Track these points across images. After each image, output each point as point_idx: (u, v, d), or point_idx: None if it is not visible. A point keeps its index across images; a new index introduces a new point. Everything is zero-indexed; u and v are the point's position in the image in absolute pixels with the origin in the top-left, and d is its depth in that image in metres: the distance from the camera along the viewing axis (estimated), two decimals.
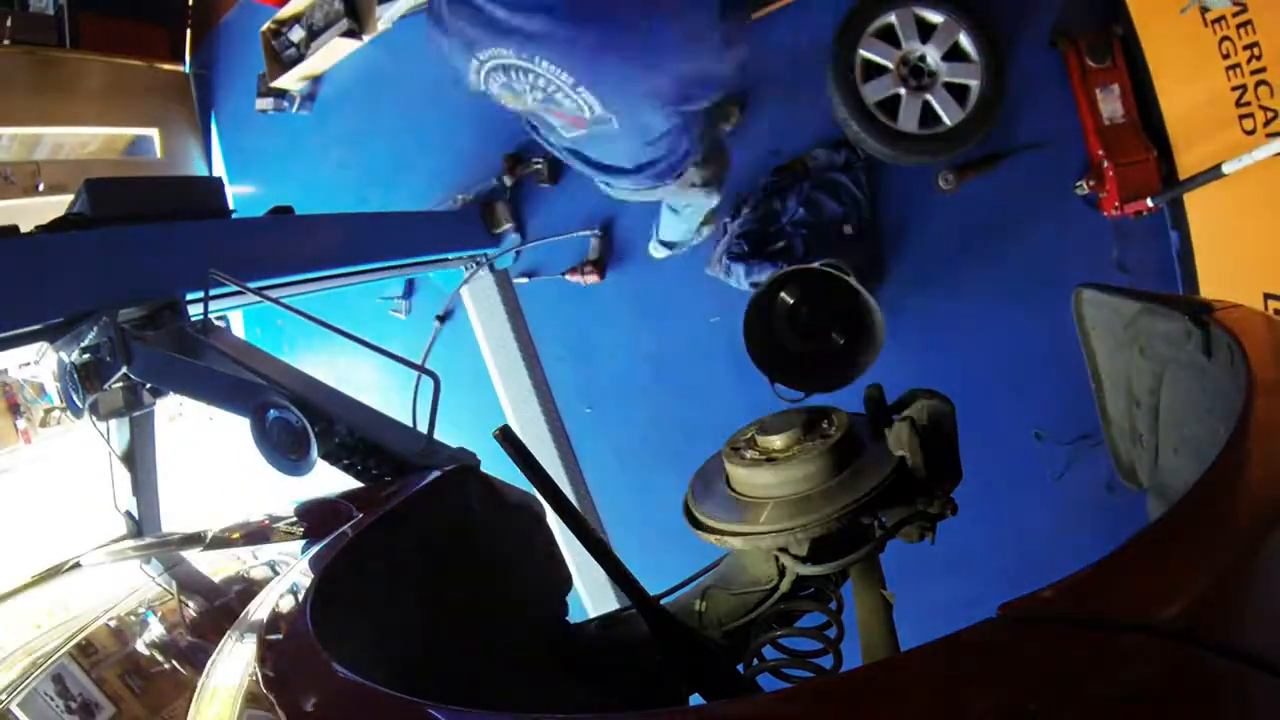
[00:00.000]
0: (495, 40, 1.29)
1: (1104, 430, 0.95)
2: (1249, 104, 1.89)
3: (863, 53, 2.24)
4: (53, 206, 3.47)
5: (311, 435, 1.36)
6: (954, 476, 0.78)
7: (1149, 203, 2.11)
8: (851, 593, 0.84)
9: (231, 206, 2.24)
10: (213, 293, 1.76)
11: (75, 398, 1.66)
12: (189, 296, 1.84)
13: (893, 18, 2.21)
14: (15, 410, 3.26)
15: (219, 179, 2.25)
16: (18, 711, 1.02)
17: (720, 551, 0.93)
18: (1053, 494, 2.46)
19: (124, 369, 1.60)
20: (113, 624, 1.24)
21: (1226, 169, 1.93)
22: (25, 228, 1.75)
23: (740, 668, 0.89)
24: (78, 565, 1.65)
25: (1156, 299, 0.79)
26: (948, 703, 0.36)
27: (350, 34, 3.41)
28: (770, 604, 0.87)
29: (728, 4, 1.33)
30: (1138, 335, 0.82)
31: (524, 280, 3.28)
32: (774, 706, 0.41)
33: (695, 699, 0.84)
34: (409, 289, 3.69)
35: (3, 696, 1.04)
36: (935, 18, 2.19)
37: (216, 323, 1.85)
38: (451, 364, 3.53)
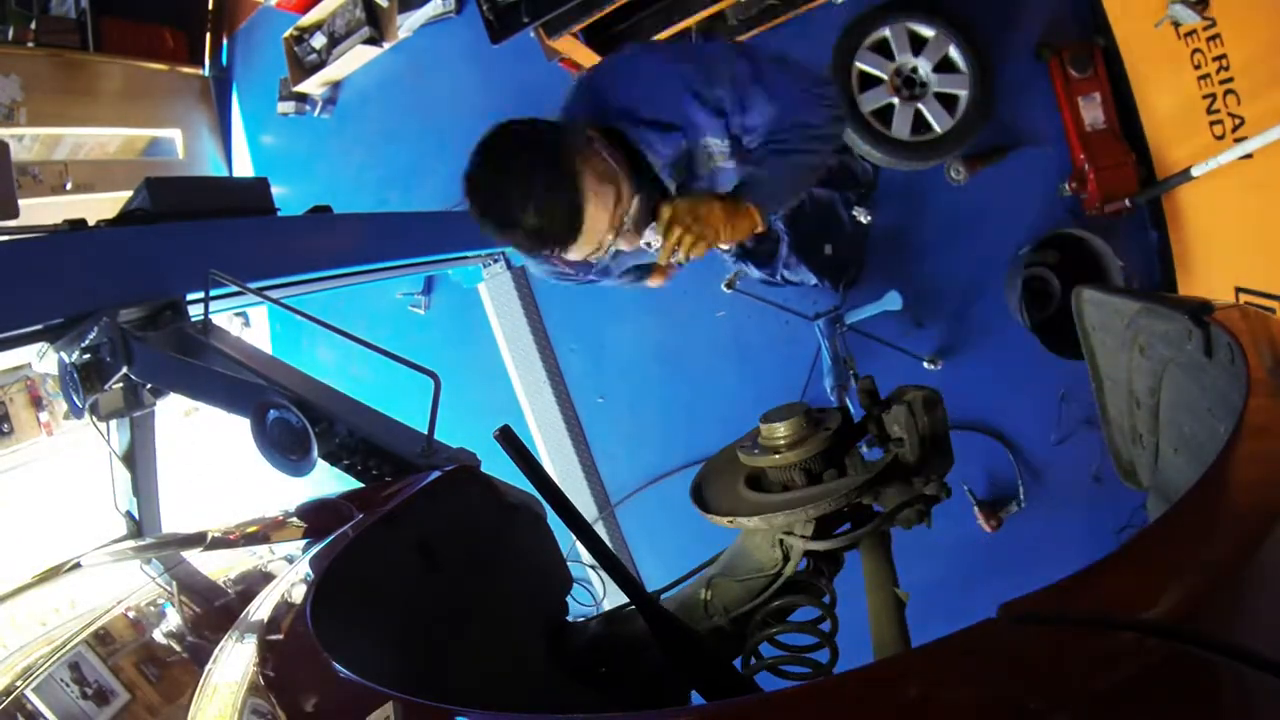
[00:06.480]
0: None
1: (1104, 430, 0.95)
2: (1218, 111, 1.99)
3: (859, 65, 2.35)
4: (79, 205, 3.50)
5: (312, 435, 1.36)
6: (946, 460, 0.82)
7: (1128, 203, 2.22)
8: (864, 591, 0.86)
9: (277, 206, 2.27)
10: (213, 293, 1.76)
11: (75, 398, 1.65)
12: (189, 296, 1.84)
13: (887, 31, 2.31)
14: (37, 403, 3.26)
15: (265, 179, 2.28)
16: (33, 697, 1.02)
17: (725, 542, 0.95)
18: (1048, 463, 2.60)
19: (124, 369, 1.60)
20: (131, 615, 1.25)
21: (1195, 172, 2.04)
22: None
23: (738, 665, 0.89)
24: (78, 565, 1.65)
25: (1157, 299, 0.79)
26: (947, 702, 0.36)
27: (371, 41, 3.51)
28: (775, 589, 0.89)
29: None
30: (1138, 335, 0.82)
31: None
32: (773, 706, 0.41)
33: (696, 698, 0.84)
34: (428, 286, 3.76)
35: (19, 683, 1.04)
36: (927, 32, 2.30)
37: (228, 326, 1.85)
38: (469, 358, 3.63)
